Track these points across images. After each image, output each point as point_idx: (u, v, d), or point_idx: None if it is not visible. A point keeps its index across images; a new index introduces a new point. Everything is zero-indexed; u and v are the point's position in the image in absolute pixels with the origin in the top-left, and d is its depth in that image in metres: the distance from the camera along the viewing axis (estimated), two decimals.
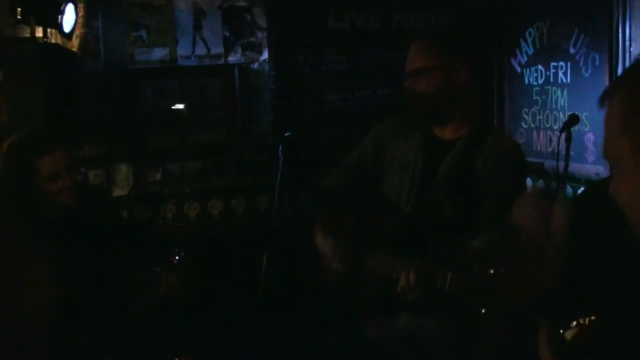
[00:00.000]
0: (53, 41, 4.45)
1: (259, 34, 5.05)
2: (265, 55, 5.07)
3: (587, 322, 1.68)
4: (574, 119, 3.64)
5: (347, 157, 2.96)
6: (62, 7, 4.26)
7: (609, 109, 1.27)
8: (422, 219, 2.59)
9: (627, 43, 4.03)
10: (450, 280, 2.25)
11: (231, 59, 5.03)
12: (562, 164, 3.63)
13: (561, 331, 1.94)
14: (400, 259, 2.44)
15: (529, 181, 5.00)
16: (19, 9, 4.12)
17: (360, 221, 2.74)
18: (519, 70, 5.13)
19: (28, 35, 4.30)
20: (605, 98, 1.26)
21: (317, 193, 3.10)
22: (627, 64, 3.98)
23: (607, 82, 4.05)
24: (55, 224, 2.68)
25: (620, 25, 4.06)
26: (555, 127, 4.62)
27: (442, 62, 2.57)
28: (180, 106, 4.95)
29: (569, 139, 3.61)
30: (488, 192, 2.52)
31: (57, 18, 4.24)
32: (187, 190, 4.98)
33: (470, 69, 2.63)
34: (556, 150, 4.15)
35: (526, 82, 5.03)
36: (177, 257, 2.98)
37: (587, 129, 4.28)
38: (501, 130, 2.71)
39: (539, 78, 4.86)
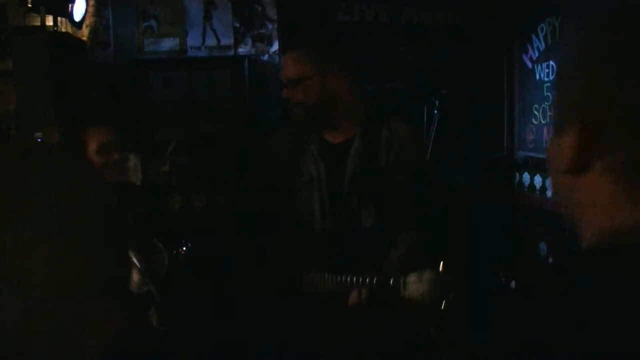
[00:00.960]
0: (63, 30, 4.44)
1: (269, 26, 5.03)
2: (275, 47, 5.05)
3: None
4: None
5: (249, 181, 2.92)
6: None
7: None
8: (343, 232, 2.52)
9: None
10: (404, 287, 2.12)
11: (241, 50, 5.02)
12: None
13: None
14: (341, 276, 2.30)
15: (537, 178, 4.99)
16: None
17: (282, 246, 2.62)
18: (530, 65, 5.11)
19: (38, 24, 4.30)
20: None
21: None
22: None
23: None
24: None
25: None
26: None
27: (316, 69, 2.48)
28: (189, 97, 4.94)
29: None
30: (398, 187, 2.49)
31: (68, 7, 4.24)
32: (195, 181, 4.97)
33: (349, 69, 2.57)
34: None
35: (537, 77, 5.01)
36: (184, 248, 2.98)
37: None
38: (395, 118, 2.61)
39: (550, 74, 4.83)
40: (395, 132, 2.53)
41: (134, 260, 2.80)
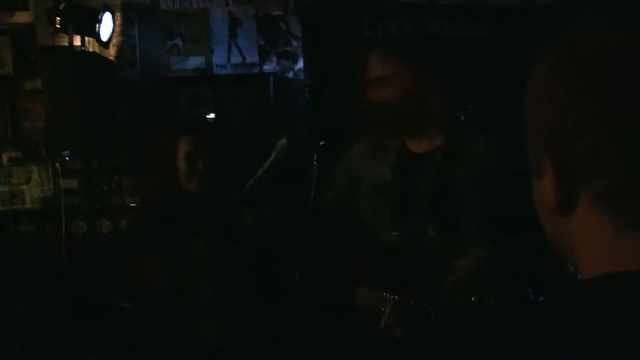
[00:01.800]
0: (91, 50, 4.49)
1: (294, 43, 5.05)
2: (300, 64, 5.07)
3: None
4: None
5: (327, 192, 2.82)
6: (99, 16, 4.30)
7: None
8: (408, 245, 2.43)
9: None
10: (435, 315, 2.10)
11: (266, 67, 5.04)
12: None
13: None
14: (387, 293, 2.28)
15: None
16: (58, 19, 4.18)
17: (345, 257, 2.56)
18: None
19: (66, 44, 4.36)
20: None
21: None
22: None
23: None
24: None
25: None
26: None
27: (402, 68, 2.44)
28: (215, 115, 4.97)
29: None
30: (470, 204, 2.38)
31: (95, 27, 4.29)
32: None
33: (436, 80, 2.48)
34: None
35: None
36: None
37: None
38: (475, 131, 2.51)
39: None
40: (474, 146, 2.43)
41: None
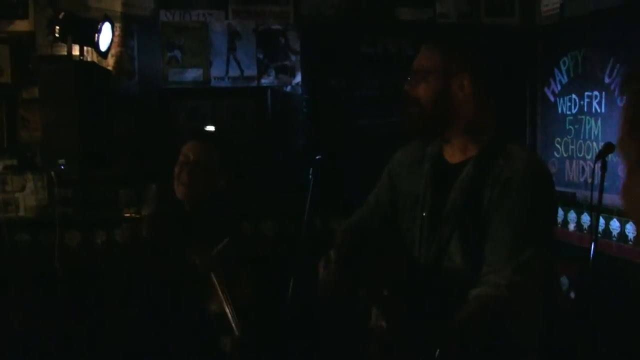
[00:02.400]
0: (89, 59, 4.50)
1: (293, 58, 5.06)
2: (298, 78, 5.08)
3: None
4: (609, 148, 3.47)
5: (369, 196, 2.66)
6: (99, 26, 4.31)
7: (625, 101, 1.09)
8: (429, 264, 2.24)
9: None
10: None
11: (264, 81, 5.05)
12: (595, 194, 3.57)
13: None
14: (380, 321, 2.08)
15: (560, 211, 4.94)
16: (57, 28, 4.19)
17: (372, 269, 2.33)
18: (552, 99, 5.10)
19: (65, 53, 4.36)
20: (622, 86, 1.09)
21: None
22: None
23: None
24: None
25: None
26: (589, 157, 4.58)
27: (445, 66, 2.22)
28: (213, 127, 4.96)
29: (604, 168, 3.51)
30: (494, 226, 2.11)
31: (94, 37, 4.29)
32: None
33: (480, 83, 2.23)
34: (589, 180, 4.10)
35: (559, 111, 4.99)
36: None
37: (620, 160, 4.21)
38: (518, 147, 2.22)
39: (573, 107, 4.82)
40: (511, 162, 2.16)
41: (216, 284, 2.82)
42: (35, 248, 4.66)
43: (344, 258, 2.30)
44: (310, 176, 2.89)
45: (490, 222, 2.11)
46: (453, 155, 2.29)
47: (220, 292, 2.82)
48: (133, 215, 4.71)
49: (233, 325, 2.79)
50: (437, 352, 1.85)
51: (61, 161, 4.20)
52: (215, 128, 4.75)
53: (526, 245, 2.07)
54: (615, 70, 4.34)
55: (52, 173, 4.46)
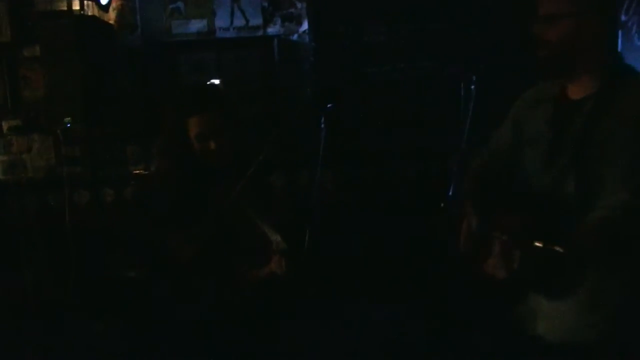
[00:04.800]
0: (90, 14, 4.40)
1: (298, 5, 4.95)
2: (304, 26, 4.97)
3: None
4: None
5: (491, 136, 2.68)
6: None
7: None
8: (545, 198, 2.30)
9: None
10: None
11: (270, 30, 4.94)
12: None
13: None
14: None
15: None
16: None
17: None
18: None
19: (65, 8, 4.27)
20: None
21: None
22: None
23: None
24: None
25: None
26: None
27: (574, 9, 2.24)
28: (218, 79, 4.88)
29: None
30: (612, 155, 2.18)
31: None
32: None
33: (606, 20, 2.27)
34: None
35: None
36: None
37: None
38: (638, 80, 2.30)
39: None
40: (632, 95, 2.22)
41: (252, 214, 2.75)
42: (44, 209, 4.61)
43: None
44: (322, 125, 2.81)
45: (608, 153, 2.18)
46: (576, 92, 2.33)
47: (258, 221, 2.75)
48: (142, 172, 4.64)
49: (279, 245, 2.72)
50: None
51: (67, 119, 4.14)
52: (220, 80, 4.66)
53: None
54: (632, 8, 4.22)
55: (58, 132, 4.38)
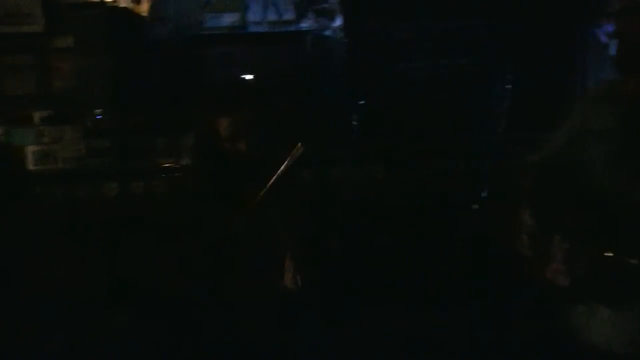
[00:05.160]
0: (122, 5, 4.39)
1: (332, 0, 4.90)
2: (338, 21, 4.92)
3: None
4: None
5: (554, 131, 2.61)
6: None
7: None
8: (613, 201, 2.22)
9: None
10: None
11: (303, 25, 4.91)
12: None
13: None
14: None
15: None
16: None
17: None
18: (604, 39, 4.89)
19: None
20: None
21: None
22: None
23: None
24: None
25: None
26: None
27: None
28: (250, 73, 4.85)
29: None
30: None
31: None
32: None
33: None
34: None
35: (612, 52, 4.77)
36: None
37: None
38: None
39: None
40: None
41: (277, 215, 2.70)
42: (73, 200, 4.60)
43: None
44: (354, 122, 2.78)
45: None
46: None
47: (281, 223, 2.71)
48: (171, 164, 4.62)
49: (301, 252, 2.68)
50: None
51: (97, 111, 4.13)
52: (252, 75, 4.63)
53: None
54: None
55: (88, 123, 4.38)
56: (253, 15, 4.85)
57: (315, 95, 4.81)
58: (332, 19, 4.92)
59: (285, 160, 2.64)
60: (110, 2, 4.25)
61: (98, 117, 4.14)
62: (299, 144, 2.65)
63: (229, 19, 4.82)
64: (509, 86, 3.79)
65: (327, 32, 4.92)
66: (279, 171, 2.63)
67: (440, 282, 3.97)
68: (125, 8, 4.42)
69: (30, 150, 4.59)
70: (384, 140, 4.20)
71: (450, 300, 3.77)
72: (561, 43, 5.04)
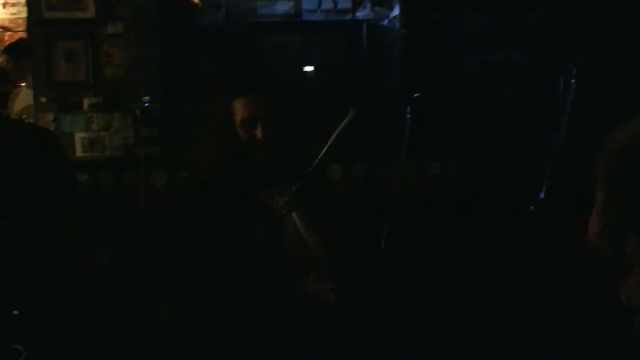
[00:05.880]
0: None
1: None
2: (395, 11, 4.81)
3: None
4: None
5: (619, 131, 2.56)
6: None
7: None
8: None
9: None
10: None
11: (359, 14, 4.80)
12: None
13: None
14: None
15: None
16: None
17: None
18: None
19: None
20: None
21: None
22: None
23: None
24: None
25: None
26: None
27: None
28: (304, 63, 4.78)
29: None
30: None
31: None
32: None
33: None
34: None
35: None
36: None
37: None
38: None
39: None
40: None
41: (298, 223, 2.55)
42: (120, 188, 4.59)
43: None
44: (407, 115, 2.65)
45: None
46: None
47: (302, 232, 2.56)
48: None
49: (319, 264, 2.53)
50: None
51: (146, 98, 4.10)
52: (303, 64, 4.55)
53: None
54: None
55: (137, 111, 4.34)
56: (308, 3, 4.77)
57: (369, 88, 4.70)
58: (390, 8, 4.82)
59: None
60: None
61: (146, 104, 4.10)
62: (353, 107, 2.49)
63: (282, 7, 4.75)
64: (574, 81, 3.59)
65: (384, 22, 4.81)
66: (331, 137, 2.48)
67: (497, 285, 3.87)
68: None
69: (79, 137, 4.59)
70: (438, 136, 4.10)
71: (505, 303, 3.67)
72: (633, 36, 4.86)
